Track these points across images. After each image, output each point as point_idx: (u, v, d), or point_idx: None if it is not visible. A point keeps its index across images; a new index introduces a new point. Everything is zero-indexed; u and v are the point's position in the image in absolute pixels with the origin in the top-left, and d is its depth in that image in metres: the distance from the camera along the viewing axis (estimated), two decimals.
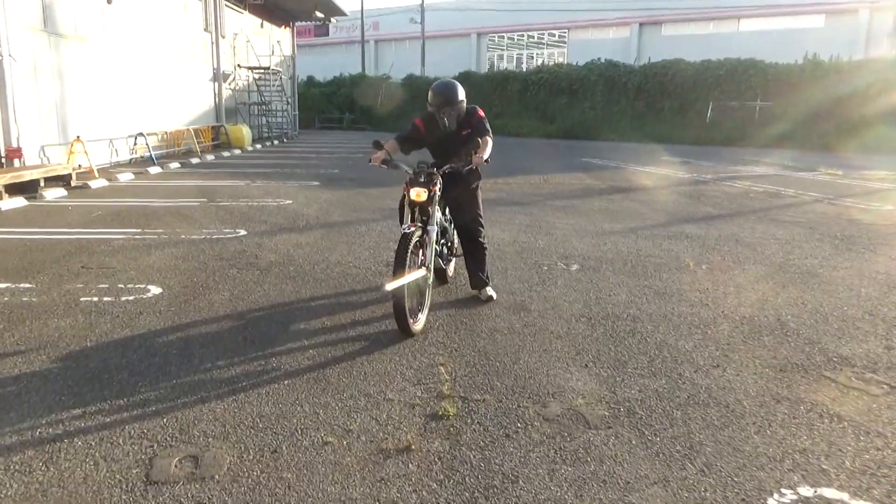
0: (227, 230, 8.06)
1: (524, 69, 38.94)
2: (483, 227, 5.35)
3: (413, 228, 4.42)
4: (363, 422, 3.37)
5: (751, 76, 27.33)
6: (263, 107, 24.73)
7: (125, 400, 3.58)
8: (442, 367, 4.04)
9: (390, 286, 4.19)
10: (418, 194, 4.52)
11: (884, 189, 13.01)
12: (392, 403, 3.57)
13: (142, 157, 15.93)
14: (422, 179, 4.58)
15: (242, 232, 7.98)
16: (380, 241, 7.54)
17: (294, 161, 17.23)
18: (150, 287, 5.65)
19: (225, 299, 5.35)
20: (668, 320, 4.98)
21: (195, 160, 16.78)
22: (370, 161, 4.86)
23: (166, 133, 17.60)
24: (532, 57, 46.83)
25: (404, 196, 4.72)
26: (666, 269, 6.49)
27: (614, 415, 3.47)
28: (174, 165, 15.61)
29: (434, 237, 4.69)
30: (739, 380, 3.93)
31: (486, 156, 4.70)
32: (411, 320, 4.44)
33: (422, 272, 4.54)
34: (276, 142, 24.41)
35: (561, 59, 41.97)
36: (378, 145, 4.85)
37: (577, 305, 5.30)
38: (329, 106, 36.87)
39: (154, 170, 14.57)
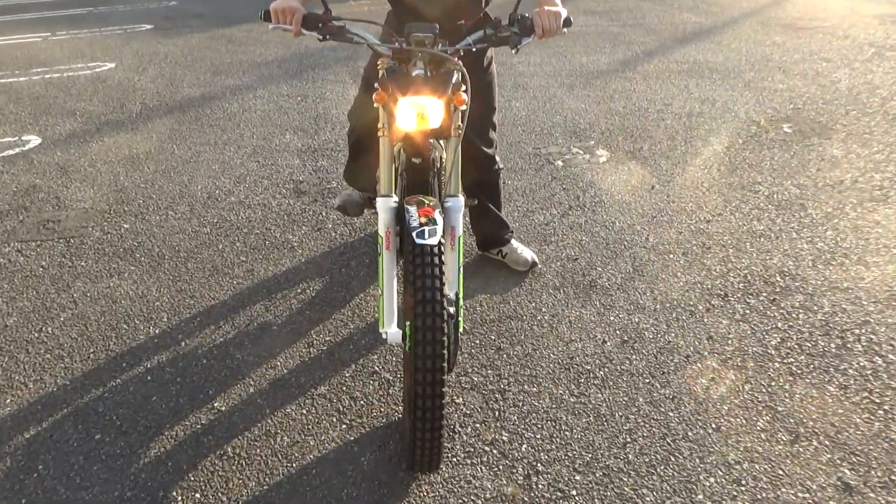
0: (8, 139, 4.84)
1: None
2: (496, 132, 2.71)
3: (433, 226, 1.68)
4: None
5: None
6: None
7: None
8: None
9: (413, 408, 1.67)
10: (422, 114, 1.70)
11: None
12: None
13: None
14: (423, 72, 1.74)
15: (33, 140, 4.79)
16: (271, 133, 4.64)
17: None
18: None
19: None
20: (863, 288, 2.72)
21: None
22: (273, 21, 1.86)
23: None
24: None
25: (367, 107, 1.97)
26: (740, 142, 4.15)
27: None
28: None
29: (461, 224, 1.91)
30: None
31: (562, 9, 1.93)
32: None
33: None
34: None
35: None
36: None
37: (678, 261, 2.92)
38: None
39: None
